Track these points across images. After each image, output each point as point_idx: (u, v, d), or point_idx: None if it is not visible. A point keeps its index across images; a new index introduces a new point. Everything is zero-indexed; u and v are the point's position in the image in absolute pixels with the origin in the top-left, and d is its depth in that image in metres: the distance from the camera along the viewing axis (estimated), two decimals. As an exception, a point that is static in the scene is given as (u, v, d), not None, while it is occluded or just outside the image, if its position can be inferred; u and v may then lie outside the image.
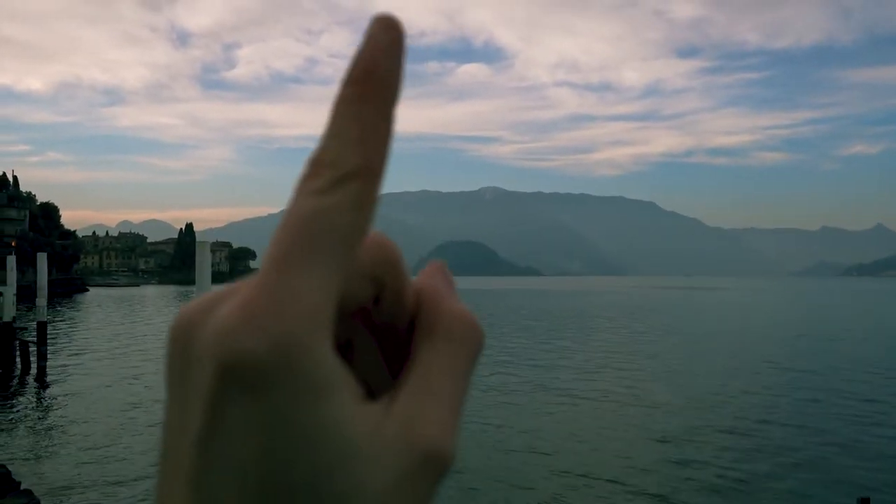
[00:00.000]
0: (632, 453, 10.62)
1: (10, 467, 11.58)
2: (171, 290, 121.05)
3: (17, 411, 17.13)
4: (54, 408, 17.46)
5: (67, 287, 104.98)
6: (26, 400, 18.82)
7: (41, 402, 18.49)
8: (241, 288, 0.25)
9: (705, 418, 12.83)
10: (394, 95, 0.26)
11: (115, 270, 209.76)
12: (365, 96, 0.26)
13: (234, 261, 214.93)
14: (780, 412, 13.31)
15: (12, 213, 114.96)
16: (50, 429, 15.08)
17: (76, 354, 27.82)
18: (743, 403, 14.12)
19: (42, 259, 26.79)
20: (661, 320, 33.60)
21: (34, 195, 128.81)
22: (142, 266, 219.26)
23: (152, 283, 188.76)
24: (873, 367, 18.04)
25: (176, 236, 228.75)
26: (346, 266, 0.25)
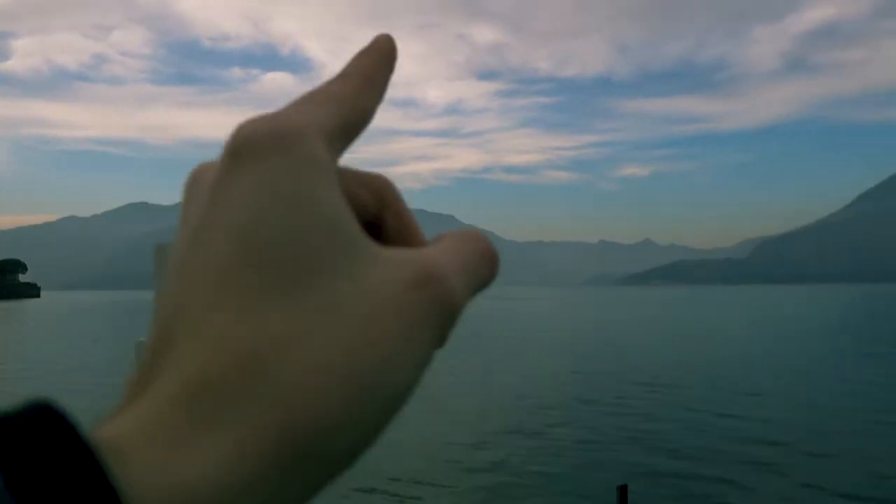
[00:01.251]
0: (412, 462, 10.53)
1: None
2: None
3: None
4: None
5: None
6: None
7: None
8: None
9: (485, 420, 13.54)
10: (381, 80, 0.34)
11: None
12: (371, 51, 0.35)
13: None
14: (556, 410, 14.40)
15: None
16: None
17: None
18: (522, 404, 15.12)
19: None
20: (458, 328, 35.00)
21: None
22: None
23: None
24: (645, 366, 20.21)
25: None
26: (345, 117, 0.31)
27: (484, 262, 0.32)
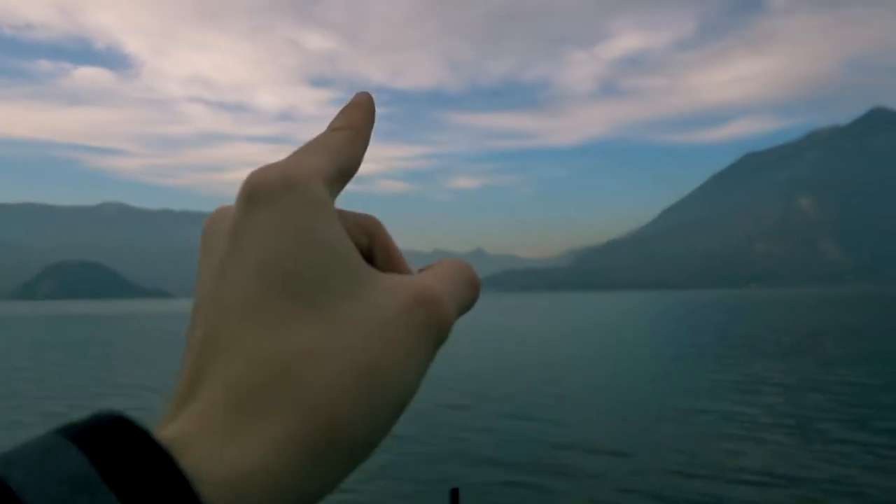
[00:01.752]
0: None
1: None
2: None
3: None
4: None
5: None
6: None
7: None
8: None
9: None
10: (367, 131, 0.40)
11: None
12: (356, 106, 0.41)
13: None
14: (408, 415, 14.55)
15: None
16: None
17: None
18: None
19: None
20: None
21: None
22: None
23: None
24: (472, 373, 20.82)
25: None
26: (340, 163, 0.38)
27: (470, 288, 0.40)
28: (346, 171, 0.38)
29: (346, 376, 0.35)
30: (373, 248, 0.40)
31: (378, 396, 0.35)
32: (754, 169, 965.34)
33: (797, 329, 32.21)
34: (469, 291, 0.40)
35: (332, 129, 0.40)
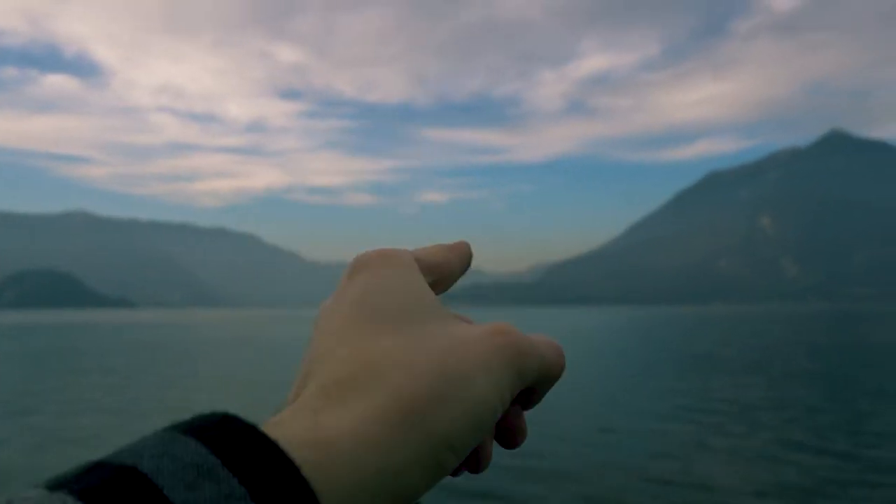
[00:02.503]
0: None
1: None
2: None
3: None
4: None
5: None
6: None
7: None
8: None
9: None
10: (458, 260, 0.45)
11: None
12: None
13: None
14: None
15: None
16: None
17: None
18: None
19: None
20: (257, 351, 34.22)
21: None
22: None
23: None
24: None
25: None
26: (428, 258, 0.44)
27: (554, 351, 0.44)
28: (432, 266, 0.44)
29: (424, 374, 0.43)
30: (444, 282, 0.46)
31: (453, 397, 0.42)
32: (718, 187, 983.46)
33: (755, 345, 32.99)
34: (552, 352, 0.44)
35: (432, 246, 0.45)
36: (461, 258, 0.45)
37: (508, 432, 0.44)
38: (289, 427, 0.42)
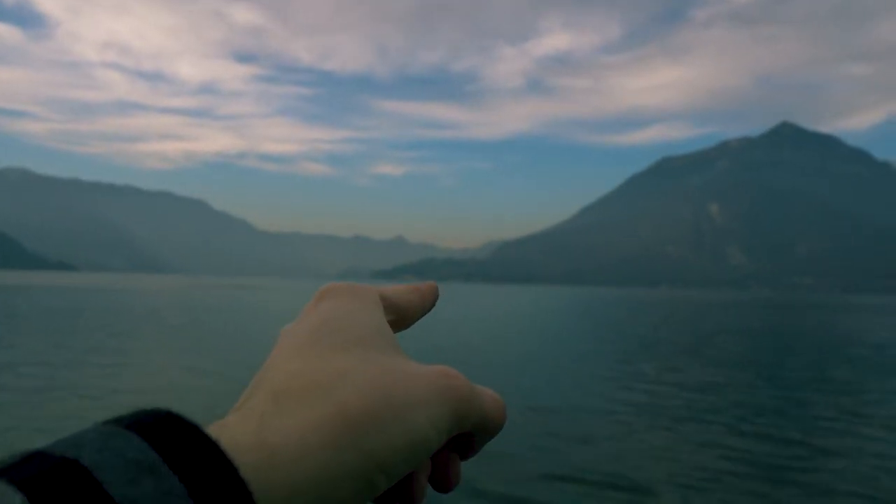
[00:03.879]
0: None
1: None
2: None
3: None
4: None
5: None
6: None
7: None
8: None
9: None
10: (428, 297, 0.48)
11: None
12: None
13: None
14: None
15: None
16: None
17: None
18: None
19: None
20: (200, 318, 33.26)
21: None
22: None
23: None
24: None
25: None
26: (395, 297, 0.46)
27: (495, 405, 0.46)
28: (396, 306, 0.46)
29: (369, 395, 0.45)
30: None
31: (392, 421, 0.45)
32: (670, 173, 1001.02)
33: (696, 330, 33.45)
34: (494, 406, 0.45)
35: (396, 286, 0.47)
36: (424, 301, 0.47)
37: (443, 475, 0.45)
38: (233, 429, 0.43)
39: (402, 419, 0.44)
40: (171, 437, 0.43)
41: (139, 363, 15.92)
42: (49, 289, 72.63)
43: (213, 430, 0.43)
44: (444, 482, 0.46)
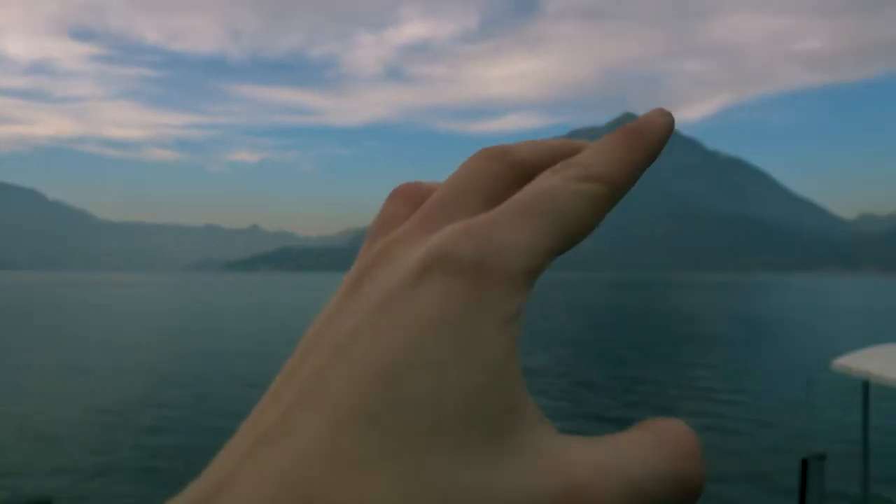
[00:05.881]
0: None
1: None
2: None
3: None
4: None
5: None
6: None
7: None
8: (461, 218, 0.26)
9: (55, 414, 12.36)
10: (650, 160, 0.28)
11: None
12: (633, 145, 0.27)
13: None
14: (132, 413, 13.47)
15: None
16: None
17: None
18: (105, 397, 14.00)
19: None
20: (30, 322, 31.06)
21: None
22: None
23: None
24: (248, 361, 19.79)
25: None
26: (560, 247, 0.25)
27: (677, 483, 0.23)
28: (568, 240, 0.26)
29: (363, 388, 0.24)
30: None
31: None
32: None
33: (540, 311, 35.39)
34: (675, 488, 0.23)
35: (580, 176, 0.26)
36: (620, 189, 0.28)
37: None
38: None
39: None
40: None
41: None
42: None
43: None
44: None
